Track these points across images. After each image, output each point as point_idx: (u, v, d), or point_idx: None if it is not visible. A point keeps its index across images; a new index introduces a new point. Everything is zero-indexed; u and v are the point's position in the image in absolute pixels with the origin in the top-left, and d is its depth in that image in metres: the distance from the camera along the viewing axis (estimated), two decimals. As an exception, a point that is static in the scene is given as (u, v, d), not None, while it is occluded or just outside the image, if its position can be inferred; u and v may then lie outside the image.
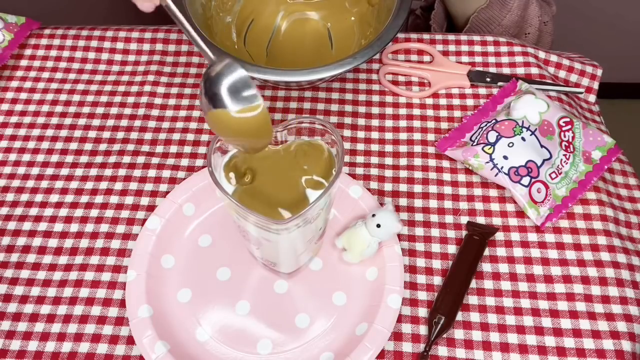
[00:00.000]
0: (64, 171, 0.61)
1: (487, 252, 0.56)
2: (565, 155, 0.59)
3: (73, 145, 0.63)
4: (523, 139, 0.58)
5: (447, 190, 0.60)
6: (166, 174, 0.61)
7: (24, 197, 0.60)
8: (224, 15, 0.66)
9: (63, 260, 0.56)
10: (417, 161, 0.62)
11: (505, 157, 0.57)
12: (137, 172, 0.61)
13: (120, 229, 0.57)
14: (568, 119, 0.61)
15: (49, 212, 0.59)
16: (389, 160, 0.62)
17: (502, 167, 0.57)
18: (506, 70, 0.68)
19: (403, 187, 0.60)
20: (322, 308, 0.53)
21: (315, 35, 0.68)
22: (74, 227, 0.58)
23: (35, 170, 0.61)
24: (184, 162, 0.62)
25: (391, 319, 0.50)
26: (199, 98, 0.43)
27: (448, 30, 0.81)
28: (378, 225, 0.52)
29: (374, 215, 0.53)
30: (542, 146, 0.58)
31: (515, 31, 0.75)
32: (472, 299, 0.54)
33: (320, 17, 0.69)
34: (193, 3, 0.61)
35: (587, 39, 1.36)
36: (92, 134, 0.64)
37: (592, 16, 1.34)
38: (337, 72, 0.56)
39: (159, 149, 0.63)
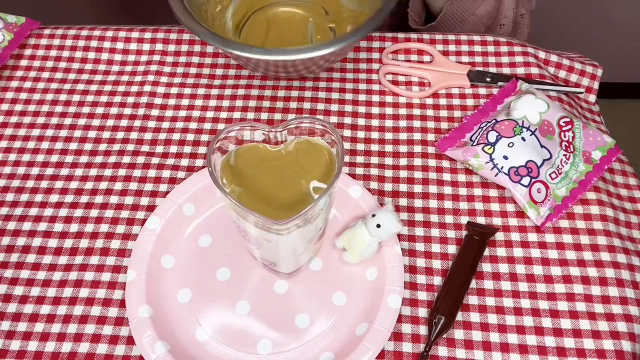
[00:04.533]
0: (64, 171, 0.61)
1: (487, 252, 0.56)
2: (565, 155, 0.59)
3: (73, 145, 0.63)
4: (523, 139, 0.58)
5: (447, 190, 0.60)
6: (166, 174, 0.61)
7: (24, 197, 0.60)
8: (222, 11, 0.67)
9: (63, 260, 0.56)
10: (417, 161, 0.62)
11: (505, 157, 0.57)
12: (137, 172, 0.61)
13: (120, 229, 0.57)
14: (568, 119, 0.61)
15: (48, 212, 0.59)
16: (389, 160, 0.62)
17: (502, 167, 0.57)
18: (506, 70, 0.68)
19: (403, 187, 0.60)
20: (322, 308, 0.53)
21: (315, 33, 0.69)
22: (73, 227, 0.58)
23: (35, 170, 0.61)
24: (184, 162, 0.62)
25: (391, 319, 0.50)
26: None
27: (426, 20, 0.81)
28: (378, 226, 0.52)
29: (374, 216, 0.53)
30: (542, 146, 0.58)
31: (489, 22, 0.75)
32: (472, 299, 0.54)
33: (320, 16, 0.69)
34: (191, 1, 0.61)
35: (587, 38, 1.36)
36: (92, 134, 0.64)
37: (592, 16, 1.34)
38: (336, 48, 0.56)
39: (159, 149, 0.63)
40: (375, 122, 0.64)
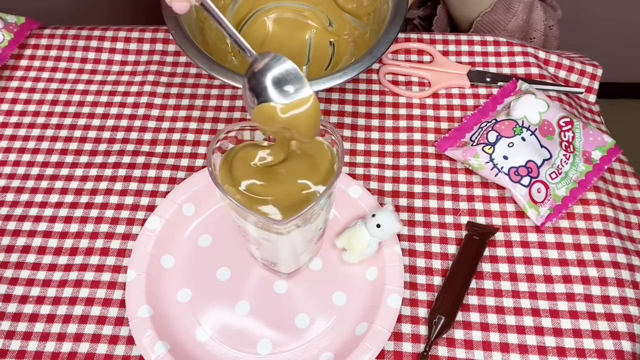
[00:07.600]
0: (64, 171, 0.61)
1: (487, 252, 0.56)
2: (565, 155, 0.59)
3: (73, 145, 0.63)
4: (523, 139, 0.58)
5: (447, 190, 0.60)
6: (166, 174, 0.61)
7: (24, 197, 0.60)
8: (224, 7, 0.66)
9: (63, 260, 0.56)
10: (417, 161, 0.62)
11: (505, 157, 0.57)
12: (137, 172, 0.61)
13: (120, 229, 0.57)
14: (568, 119, 0.61)
15: (48, 212, 0.59)
16: (389, 160, 0.62)
17: (502, 167, 0.57)
18: (506, 70, 0.68)
19: (403, 187, 0.60)
20: (322, 308, 0.53)
21: (314, 44, 0.68)
22: (73, 227, 0.58)
23: (35, 170, 0.61)
24: (184, 162, 0.62)
25: (391, 319, 0.50)
26: (242, 97, 0.42)
27: None
28: (378, 225, 0.52)
29: (374, 216, 0.53)
30: (542, 146, 0.58)
31: (520, 36, 0.75)
32: (472, 299, 0.54)
33: (320, 26, 0.68)
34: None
35: (587, 38, 1.36)
36: (92, 134, 0.64)
37: (592, 16, 1.34)
38: (325, 87, 0.54)
39: (159, 149, 0.63)
40: (375, 122, 0.64)
